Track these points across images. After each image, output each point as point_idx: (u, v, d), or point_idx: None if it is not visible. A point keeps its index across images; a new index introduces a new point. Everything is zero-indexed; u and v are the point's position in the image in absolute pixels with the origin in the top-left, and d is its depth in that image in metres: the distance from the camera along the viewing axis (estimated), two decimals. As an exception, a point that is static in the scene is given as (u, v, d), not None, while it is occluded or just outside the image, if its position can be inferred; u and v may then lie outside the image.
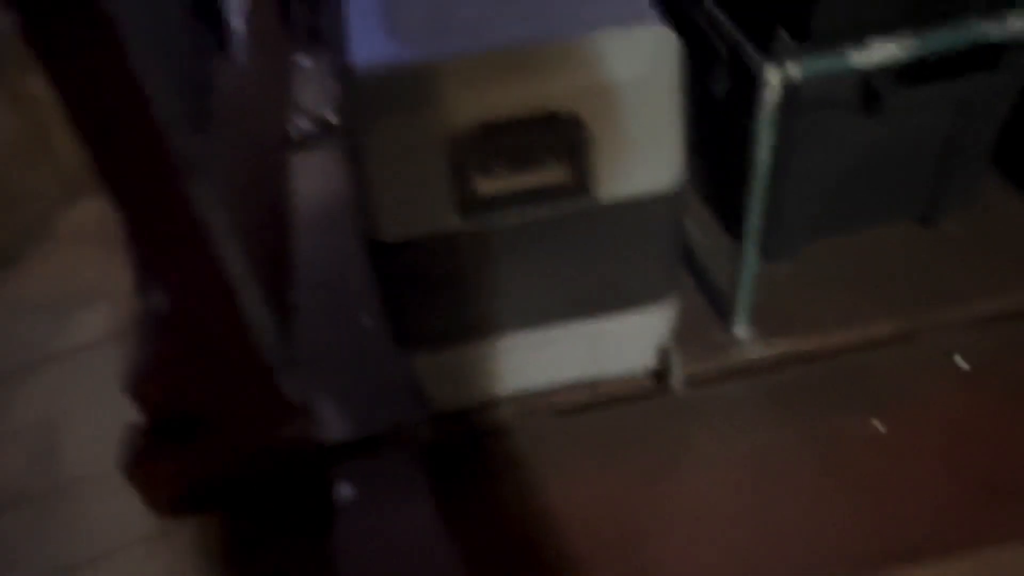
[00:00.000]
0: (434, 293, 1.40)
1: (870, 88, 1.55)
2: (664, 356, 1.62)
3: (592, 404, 1.67)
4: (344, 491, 1.64)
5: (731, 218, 1.88)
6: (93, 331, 2.66)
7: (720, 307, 1.78)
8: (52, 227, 3.09)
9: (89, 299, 2.80)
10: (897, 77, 1.57)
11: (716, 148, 1.83)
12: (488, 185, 1.26)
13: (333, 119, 2.42)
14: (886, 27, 1.38)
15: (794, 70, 1.35)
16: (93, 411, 2.38)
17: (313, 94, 2.58)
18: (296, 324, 1.90)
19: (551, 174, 1.26)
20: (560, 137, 1.22)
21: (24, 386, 2.53)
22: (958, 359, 1.71)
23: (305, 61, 2.67)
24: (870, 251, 1.89)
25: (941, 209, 1.89)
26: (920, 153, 1.77)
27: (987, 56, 1.57)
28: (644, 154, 1.28)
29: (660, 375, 1.65)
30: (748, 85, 1.42)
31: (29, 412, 2.46)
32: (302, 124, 2.43)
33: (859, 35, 1.37)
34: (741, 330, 1.73)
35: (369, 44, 1.22)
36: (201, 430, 1.55)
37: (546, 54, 1.20)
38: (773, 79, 1.35)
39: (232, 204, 1.51)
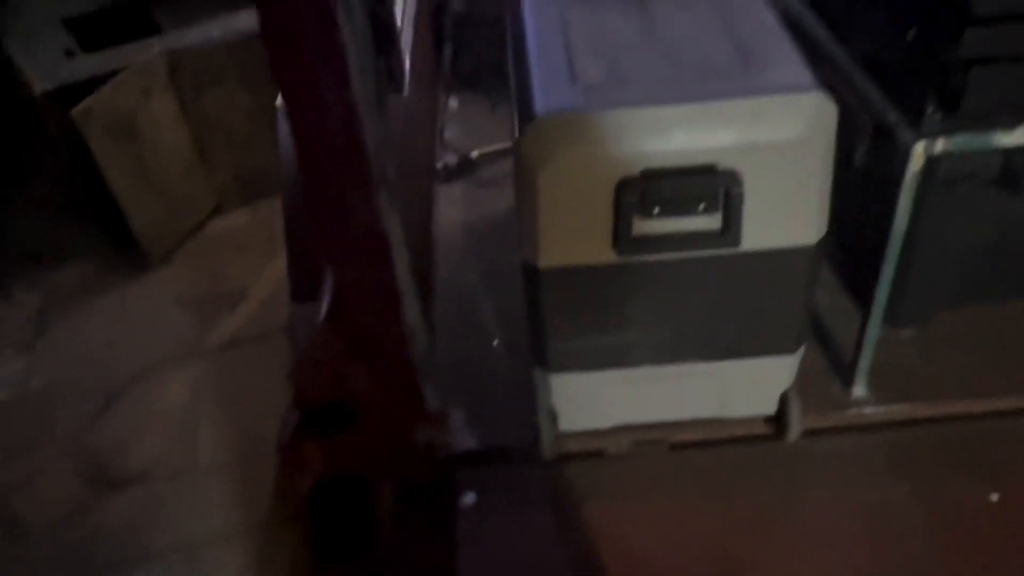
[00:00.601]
0: (578, 319, 1.52)
1: (1012, 167, 1.61)
2: (784, 404, 1.69)
3: (710, 442, 1.75)
4: (467, 497, 1.76)
5: (857, 281, 1.94)
6: (234, 331, 2.90)
7: (841, 365, 1.84)
8: (203, 232, 3.37)
9: (232, 300, 3.04)
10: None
11: (849, 213, 1.90)
12: (644, 226, 1.38)
13: (474, 155, 2.61)
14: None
15: (940, 146, 1.44)
16: (233, 403, 2.59)
17: (457, 132, 2.77)
18: (434, 338, 2.05)
19: (703, 221, 1.38)
20: (716, 188, 1.34)
21: (171, 375, 2.77)
22: (1080, 440, 1.73)
23: (452, 102, 2.88)
24: (1001, 322, 1.91)
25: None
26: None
27: None
28: (791, 210, 1.38)
29: (779, 422, 1.72)
30: (890, 156, 1.51)
31: (174, 398, 2.69)
32: (447, 158, 2.62)
33: (1008, 114, 1.44)
34: (860, 390, 1.79)
35: (550, 92, 1.37)
36: (348, 424, 1.70)
37: (712, 113, 1.32)
38: (918, 153, 1.44)
39: (401, 220, 1.68)
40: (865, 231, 1.73)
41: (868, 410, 1.78)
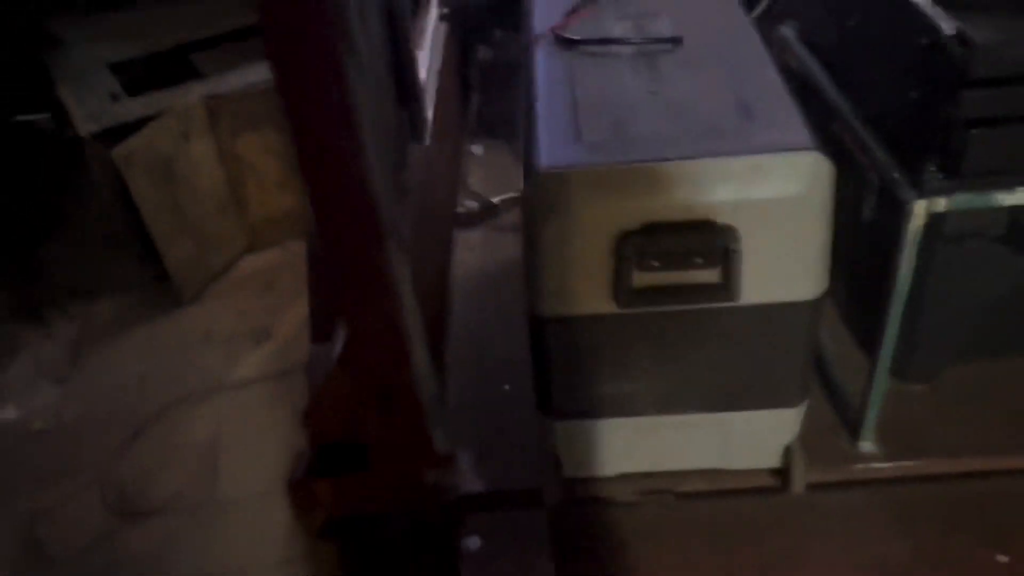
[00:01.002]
0: (581, 367, 1.55)
1: (1019, 225, 1.61)
2: (789, 457, 1.69)
3: (714, 492, 1.75)
4: (471, 541, 1.78)
5: (866, 335, 1.95)
6: (261, 367, 2.96)
7: (848, 419, 1.84)
8: (235, 270, 3.47)
9: (258, 338, 3.12)
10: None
11: (858, 267, 1.92)
12: (643, 278, 1.41)
13: (495, 201, 2.67)
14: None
15: (941, 205, 1.45)
16: (255, 439, 2.65)
17: (481, 178, 2.84)
18: (446, 381, 2.09)
19: (702, 275, 1.41)
20: (714, 243, 1.37)
21: (197, 409, 2.84)
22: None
23: (477, 148, 2.95)
24: (1012, 379, 1.90)
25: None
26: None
27: None
28: (790, 266, 1.40)
29: (783, 475, 1.72)
30: (895, 213, 1.53)
31: (198, 432, 2.75)
32: (468, 203, 2.68)
33: (1008, 174, 1.46)
34: (867, 445, 1.79)
35: (554, 148, 1.42)
36: (358, 464, 1.74)
37: (711, 170, 1.35)
38: (919, 211, 1.46)
39: (412, 265, 1.74)
40: (873, 284, 1.74)
41: (875, 465, 1.77)
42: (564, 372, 1.56)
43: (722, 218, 1.36)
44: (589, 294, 1.44)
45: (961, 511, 1.71)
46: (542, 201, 1.37)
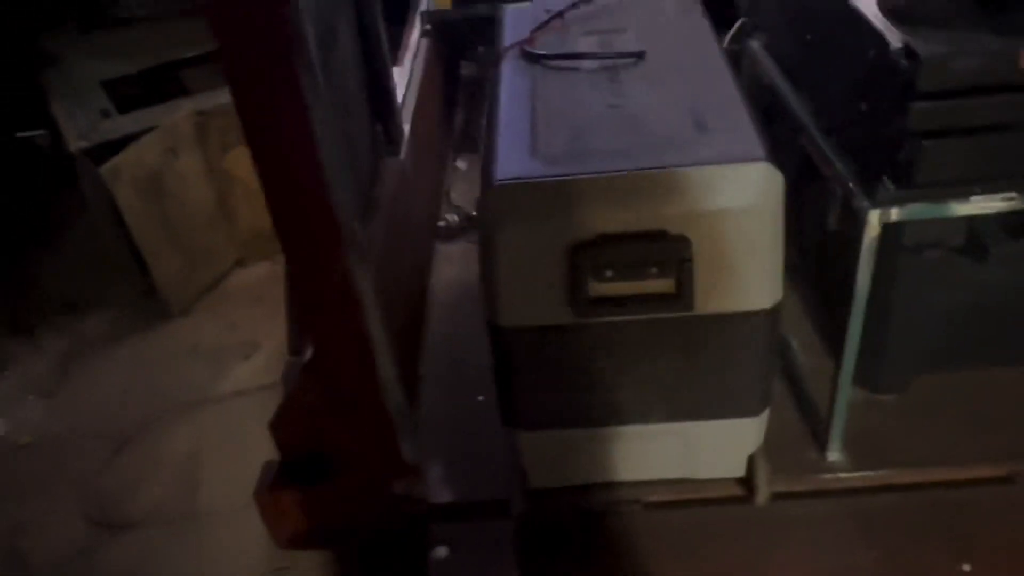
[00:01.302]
0: (542, 377, 1.56)
1: (976, 237, 1.63)
2: (752, 467, 1.70)
3: (680, 502, 1.76)
4: (440, 551, 1.79)
5: (836, 344, 1.95)
6: (246, 380, 2.99)
7: (817, 428, 1.85)
8: (224, 284, 3.50)
9: (246, 351, 3.14)
10: (1009, 226, 1.64)
11: (826, 277, 1.93)
12: (599, 288, 1.42)
13: (476, 214, 2.69)
14: (994, 179, 1.47)
15: (895, 215, 1.47)
16: (237, 452, 2.66)
17: (464, 192, 2.87)
18: (420, 392, 2.11)
19: (656, 285, 1.42)
20: (667, 253, 1.39)
21: (180, 423, 2.86)
22: (1058, 511, 1.70)
23: (461, 163, 2.98)
24: (980, 390, 1.90)
25: (1059, 360, 1.89)
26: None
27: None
28: (743, 276, 1.42)
29: (748, 484, 1.73)
30: (854, 223, 1.54)
31: (181, 446, 2.78)
32: (450, 217, 2.70)
33: (961, 184, 1.47)
34: (834, 455, 1.79)
35: (510, 161, 1.44)
36: (327, 475, 1.75)
37: (663, 180, 1.37)
38: (874, 221, 1.47)
39: (380, 278, 1.75)
40: (840, 294, 1.75)
41: (842, 475, 1.78)
42: (524, 382, 1.57)
43: (674, 228, 1.37)
44: (546, 304, 1.45)
45: (927, 521, 1.71)
46: (496, 213, 1.39)
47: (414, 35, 2.83)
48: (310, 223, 1.43)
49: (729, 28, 2.31)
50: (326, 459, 1.76)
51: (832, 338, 2.02)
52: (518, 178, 1.40)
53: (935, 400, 1.89)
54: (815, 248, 2.09)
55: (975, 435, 1.81)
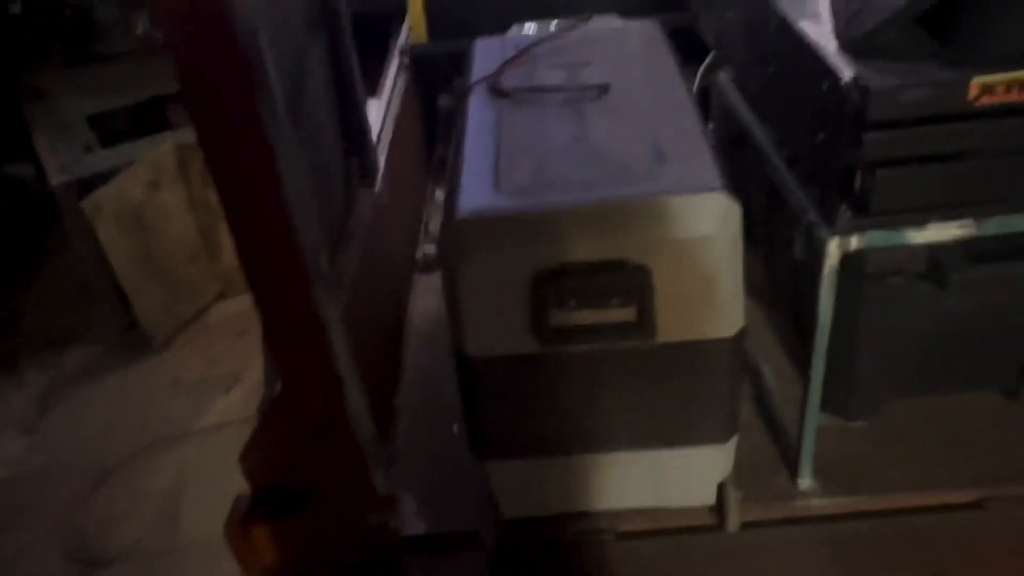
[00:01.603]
0: (509, 407, 1.57)
1: (937, 264, 1.65)
2: (722, 495, 1.70)
3: (653, 531, 1.76)
4: (414, 583, 1.79)
5: (807, 371, 1.97)
6: (227, 413, 2.98)
7: (789, 455, 1.85)
8: (206, 317, 3.50)
9: (227, 384, 3.14)
10: (970, 253, 1.66)
11: (796, 304, 1.95)
12: (562, 317, 1.44)
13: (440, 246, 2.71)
14: (950, 207, 1.50)
15: (854, 243, 1.49)
16: (217, 485, 2.65)
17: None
18: (397, 424, 2.11)
19: (619, 314, 1.43)
20: (628, 282, 1.40)
21: (161, 457, 2.86)
22: (1029, 536, 1.70)
23: (440, 194, 3.00)
24: (952, 416, 1.92)
25: (1029, 385, 1.90)
26: (1003, 327, 1.81)
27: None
28: (704, 304, 1.43)
29: (720, 512, 1.73)
30: (815, 251, 1.56)
31: (161, 480, 2.77)
32: (429, 248, 2.72)
33: (922, 213, 1.49)
34: (806, 482, 1.80)
35: (473, 194, 1.46)
36: (299, 509, 1.75)
37: (622, 211, 1.39)
38: (833, 250, 1.49)
39: (352, 310, 1.77)
40: (808, 321, 1.76)
41: (813, 502, 1.78)
42: (493, 412, 1.58)
43: (635, 258, 1.39)
44: (511, 334, 1.47)
45: (898, 547, 1.72)
46: (459, 245, 1.41)
47: (392, 69, 2.87)
48: (274, 256, 1.44)
49: (703, 62, 2.36)
50: (299, 492, 1.76)
51: (804, 365, 2.04)
52: (480, 210, 1.42)
53: (906, 426, 1.90)
54: (785, 276, 2.11)
55: (946, 461, 1.82)
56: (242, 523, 1.72)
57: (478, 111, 1.73)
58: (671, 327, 1.45)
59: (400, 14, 3.00)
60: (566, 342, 1.46)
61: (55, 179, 3.12)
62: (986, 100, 1.36)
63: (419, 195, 2.85)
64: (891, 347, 1.80)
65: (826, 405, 1.90)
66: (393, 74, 2.83)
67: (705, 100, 2.29)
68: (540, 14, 2.16)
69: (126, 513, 2.68)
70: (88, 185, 3.08)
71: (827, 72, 1.42)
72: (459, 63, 3.00)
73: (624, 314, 1.44)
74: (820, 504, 1.77)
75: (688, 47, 2.33)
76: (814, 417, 1.71)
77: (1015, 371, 1.88)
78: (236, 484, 2.70)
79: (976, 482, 1.78)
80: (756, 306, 2.28)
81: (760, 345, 2.15)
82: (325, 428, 1.67)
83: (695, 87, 2.45)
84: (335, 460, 1.71)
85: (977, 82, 1.35)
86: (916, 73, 1.39)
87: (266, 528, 1.73)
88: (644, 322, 1.43)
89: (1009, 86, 1.34)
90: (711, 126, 2.27)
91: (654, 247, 1.38)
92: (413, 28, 2.88)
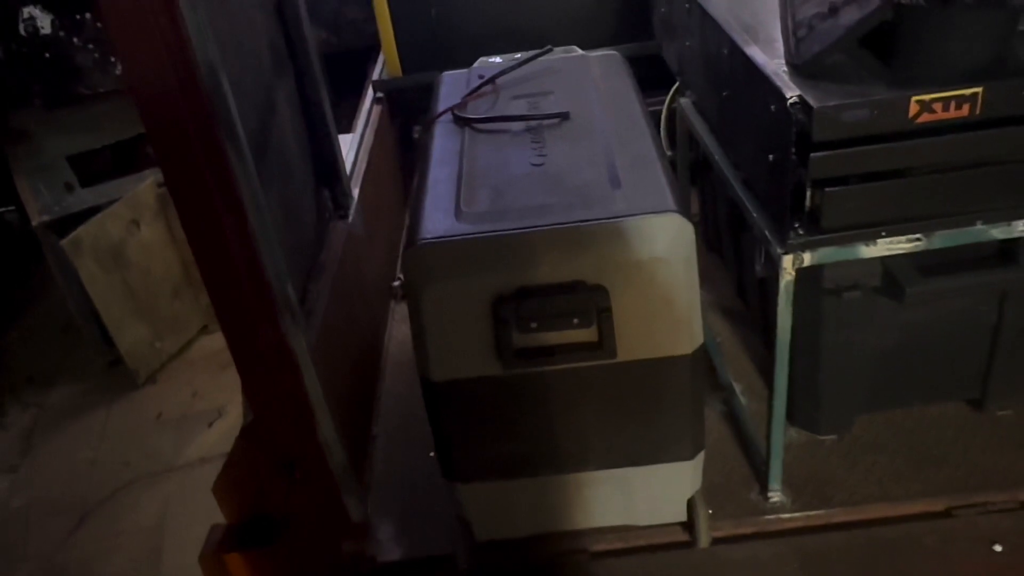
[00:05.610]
0: (476, 429, 1.59)
1: (892, 278, 1.68)
2: (692, 510, 1.72)
3: (626, 550, 1.78)
4: (390, 609, 1.80)
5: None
6: (210, 447, 2.99)
7: (759, 470, 1.88)
8: (189, 352, 3.52)
9: (210, 418, 3.15)
10: (922, 267, 1.71)
11: (764, 320, 1.98)
12: (525, 339, 1.47)
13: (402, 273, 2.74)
14: (899, 222, 1.54)
15: (807, 259, 1.53)
16: (200, 520, 2.66)
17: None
18: (373, 451, 2.13)
19: (579, 334, 1.47)
20: (587, 303, 1.43)
21: (145, 492, 2.86)
22: (996, 544, 1.72)
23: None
24: (920, 427, 1.95)
25: (994, 394, 1.93)
26: (964, 338, 1.85)
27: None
28: (662, 322, 1.47)
29: (691, 528, 1.75)
30: (772, 268, 1.60)
31: (143, 517, 2.77)
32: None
33: (873, 228, 1.53)
34: (776, 496, 1.82)
35: (433, 220, 1.50)
36: (275, 537, 1.76)
37: (578, 234, 1.43)
38: (787, 266, 1.53)
39: (323, 340, 1.79)
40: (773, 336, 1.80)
41: (784, 516, 1.80)
42: (461, 435, 1.60)
43: (592, 279, 1.42)
44: (475, 357, 1.49)
45: (869, 557, 1.73)
46: (421, 271, 1.44)
47: (366, 103, 2.92)
48: (242, 289, 1.47)
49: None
50: (274, 521, 1.78)
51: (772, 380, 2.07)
52: (440, 237, 1.45)
53: (875, 438, 1.92)
54: (753, 293, 2.15)
55: (914, 471, 1.85)
56: (217, 552, 1.73)
57: (442, 140, 1.77)
58: (631, 346, 1.48)
59: (374, 50, 3.06)
60: (529, 364, 1.49)
61: (36, 219, 3.15)
62: (926, 117, 1.40)
63: (395, 225, 2.89)
64: (855, 361, 1.83)
65: (797, 420, 1.94)
66: (367, 108, 2.89)
67: (673, 125, 2.35)
68: (510, 47, 2.21)
69: (109, 550, 2.67)
70: (71, 224, 3.11)
71: (774, 94, 1.47)
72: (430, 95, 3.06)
73: (585, 334, 1.47)
74: (791, 517, 1.79)
75: (660, 74, 2.40)
76: (780, 430, 1.74)
77: (978, 381, 1.91)
78: (219, 517, 2.71)
79: (944, 491, 1.81)
80: (727, 323, 2.32)
81: (731, 362, 2.18)
82: (297, 457, 1.69)
83: (664, 112, 2.50)
84: (307, 489, 1.73)
85: (916, 100, 1.39)
86: (860, 93, 1.43)
87: (241, 557, 1.74)
88: (604, 342, 1.46)
89: (946, 104, 1.39)
90: (678, 150, 2.32)
91: (611, 268, 1.42)
92: (387, 63, 2.93)
